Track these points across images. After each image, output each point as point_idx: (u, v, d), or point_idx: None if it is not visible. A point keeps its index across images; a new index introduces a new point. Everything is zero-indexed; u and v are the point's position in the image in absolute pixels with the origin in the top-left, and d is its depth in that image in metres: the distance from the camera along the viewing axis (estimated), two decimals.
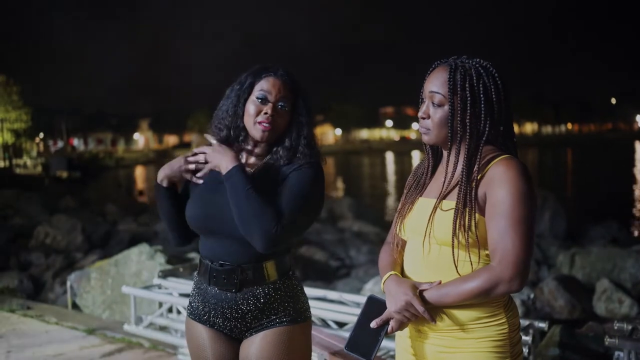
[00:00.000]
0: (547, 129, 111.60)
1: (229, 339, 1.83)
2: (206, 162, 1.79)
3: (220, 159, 1.74)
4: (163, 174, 1.84)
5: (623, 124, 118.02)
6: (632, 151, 55.95)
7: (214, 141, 1.81)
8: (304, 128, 1.79)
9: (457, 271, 1.52)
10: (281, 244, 1.70)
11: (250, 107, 1.77)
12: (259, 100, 1.76)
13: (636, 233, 14.52)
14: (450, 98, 1.53)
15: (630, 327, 2.88)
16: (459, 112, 1.53)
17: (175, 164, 1.83)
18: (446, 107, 1.54)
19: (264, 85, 1.77)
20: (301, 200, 1.70)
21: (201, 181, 1.80)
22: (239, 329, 1.81)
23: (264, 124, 1.75)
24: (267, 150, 1.82)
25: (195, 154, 1.82)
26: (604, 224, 12.13)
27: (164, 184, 1.84)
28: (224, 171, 1.72)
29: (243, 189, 1.68)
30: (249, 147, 1.83)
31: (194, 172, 1.81)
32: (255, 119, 1.76)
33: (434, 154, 1.68)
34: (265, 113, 1.75)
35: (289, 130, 1.79)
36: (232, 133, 1.80)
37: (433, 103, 1.56)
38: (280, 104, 1.77)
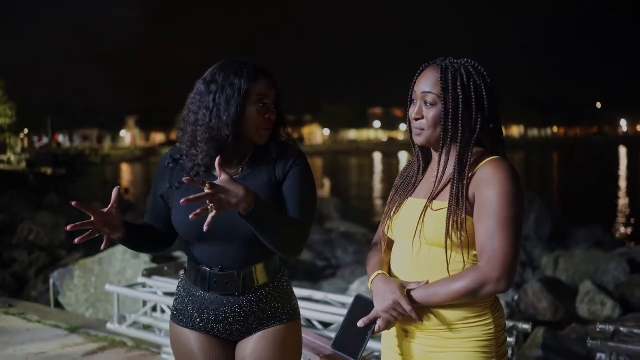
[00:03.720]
0: (534, 132, 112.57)
1: (224, 343, 1.82)
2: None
3: (234, 197, 1.54)
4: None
5: (608, 128, 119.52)
6: (617, 155, 56.63)
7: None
8: (285, 120, 1.84)
9: (448, 271, 1.52)
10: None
11: (252, 112, 1.73)
12: (261, 105, 1.75)
13: (619, 236, 14.69)
14: (443, 97, 1.55)
15: (612, 329, 2.91)
16: (451, 110, 1.54)
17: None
18: (439, 106, 1.55)
19: (261, 90, 1.75)
20: (309, 202, 1.77)
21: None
22: (240, 332, 1.81)
23: (267, 129, 1.76)
24: (251, 144, 1.81)
25: None
26: (589, 226, 12.26)
27: (116, 237, 1.77)
28: (243, 211, 1.57)
29: (271, 221, 1.62)
30: (240, 149, 1.80)
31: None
32: (258, 124, 1.75)
33: (424, 156, 1.68)
34: (269, 118, 1.76)
35: (276, 125, 1.81)
36: (232, 139, 1.73)
37: (426, 103, 1.57)
38: (274, 105, 1.79)
